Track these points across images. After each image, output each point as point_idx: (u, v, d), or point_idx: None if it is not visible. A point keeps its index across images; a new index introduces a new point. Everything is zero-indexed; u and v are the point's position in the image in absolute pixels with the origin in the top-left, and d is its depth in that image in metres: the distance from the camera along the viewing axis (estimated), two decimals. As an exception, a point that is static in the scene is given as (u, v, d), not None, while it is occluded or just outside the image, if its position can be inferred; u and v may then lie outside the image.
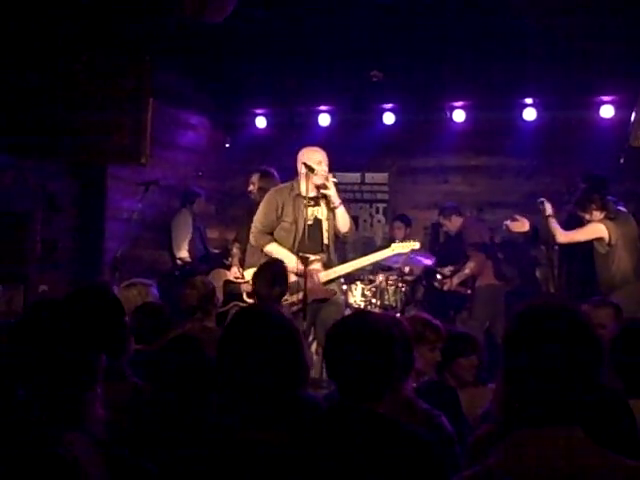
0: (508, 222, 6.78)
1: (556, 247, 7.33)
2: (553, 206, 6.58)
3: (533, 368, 1.91)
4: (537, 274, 8.00)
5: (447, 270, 8.05)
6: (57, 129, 6.85)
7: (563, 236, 6.50)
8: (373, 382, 2.33)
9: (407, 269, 7.84)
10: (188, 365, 2.96)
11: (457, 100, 8.86)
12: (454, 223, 8.18)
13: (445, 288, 7.97)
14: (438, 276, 7.99)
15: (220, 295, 6.70)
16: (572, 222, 6.79)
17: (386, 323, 2.48)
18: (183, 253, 8.12)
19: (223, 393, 2.42)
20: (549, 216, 6.49)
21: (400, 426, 2.33)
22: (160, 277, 7.96)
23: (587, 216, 6.48)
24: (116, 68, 6.97)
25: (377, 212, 9.77)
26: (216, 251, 8.54)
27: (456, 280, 7.92)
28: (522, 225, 6.77)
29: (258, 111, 9.60)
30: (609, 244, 6.36)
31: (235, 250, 7.32)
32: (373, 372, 2.33)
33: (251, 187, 7.50)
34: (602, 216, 6.41)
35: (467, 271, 7.88)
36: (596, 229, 6.40)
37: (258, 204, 6.55)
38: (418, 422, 2.90)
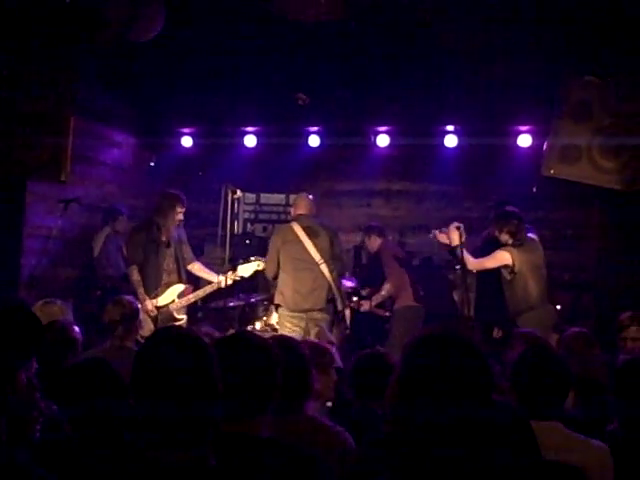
0: (436, 232, 6.83)
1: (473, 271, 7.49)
2: (467, 230, 6.70)
3: (421, 397, 1.98)
4: (454, 297, 8.14)
5: (364, 292, 8.15)
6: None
7: (472, 264, 6.67)
8: (251, 400, 2.39)
9: None
10: (97, 386, 2.94)
11: (381, 125, 9.02)
12: (373, 243, 8.29)
13: (362, 309, 8.06)
14: (355, 298, 8.07)
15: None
16: (486, 248, 6.97)
17: (264, 344, 2.54)
18: (105, 272, 8.03)
19: (134, 413, 2.40)
20: (456, 246, 6.54)
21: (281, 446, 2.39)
22: (80, 296, 7.89)
23: (497, 234, 6.66)
24: (38, 84, 6.89)
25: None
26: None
27: (374, 302, 8.02)
28: (449, 239, 6.80)
29: (184, 130, 9.58)
30: (513, 271, 6.56)
31: (136, 275, 7.02)
32: (249, 390, 2.39)
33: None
34: (510, 242, 6.60)
35: (383, 292, 7.99)
36: (502, 257, 6.60)
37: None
38: (323, 439, 2.97)
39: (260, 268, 7.18)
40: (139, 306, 6.13)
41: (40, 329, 3.30)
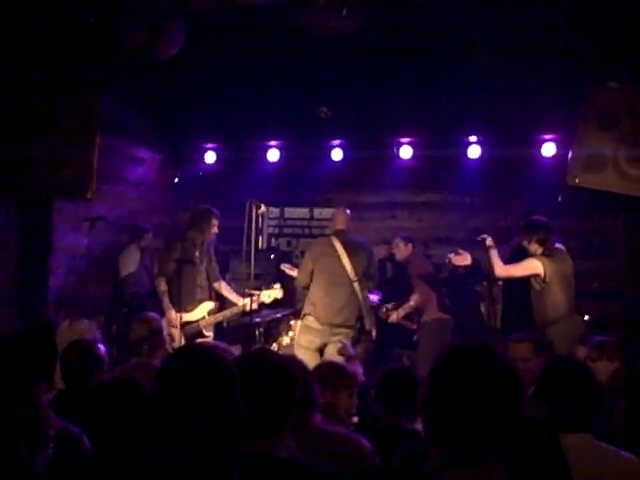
0: (451, 255, 6.87)
1: (499, 282, 7.44)
2: (495, 240, 6.69)
3: (450, 411, 1.96)
4: (482, 309, 8.09)
5: (391, 304, 8.11)
6: (3, 164, 6.81)
7: (501, 270, 6.62)
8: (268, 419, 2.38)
9: None
10: (123, 409, 2.93)
11: (404, 137, 9.00)
12: (403, 251, 8.18)
13: (389, 320, 8.02)
14: (383, 309, 8.03)
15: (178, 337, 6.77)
16: (513, 258, 6.91)
17: (282, 363, 2.53)
18: (131, 289, 8.06)
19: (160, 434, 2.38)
20: (490, 247, 6.59)
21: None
22: (107, 314, 7.93)
23: (526, 244, 6.62)
24: (64, 104, 6.96)
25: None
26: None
27: (401, 312, 7.97)
28: (464, 259, 6.88)
29: (207, 146, 9.62)
30: (544, 281, 6.49)
31: (163, 286, 7.17)
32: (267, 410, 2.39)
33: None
34: (540, 252, 6.54)
35: (412, 303, 7.94)
36: (532, 265, 6.53)
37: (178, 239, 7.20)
38: (333, 447, 2.99)
39: (280, 297, 7.32)
40: (163, 320, 6.28)
41: (54, 351, 3.32)
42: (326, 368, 3.91)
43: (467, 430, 1.95)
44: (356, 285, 7.00)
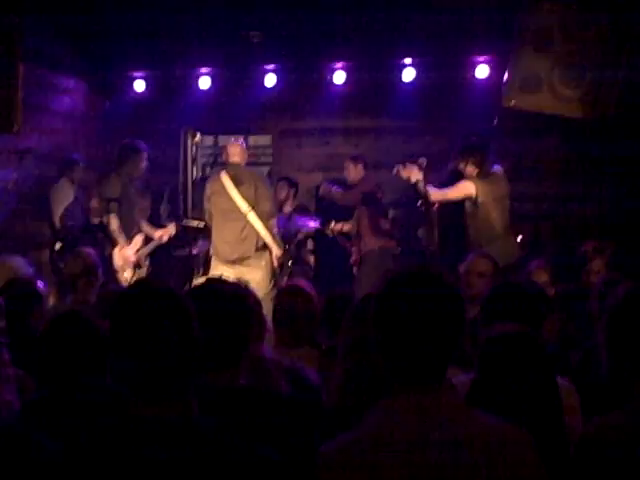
0: (400, 166, 6.81)
1: (435, 207, 7.49)
2: (431, 164, 6.68)
3: (401, 335, 1.98)
4: (419, 233, 8.15)
5: (334, 224, 8.15)
6: None
7: (436, 194, 6.66)
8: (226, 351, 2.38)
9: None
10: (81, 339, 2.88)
11: (337, 61, 8.88)
12: (353, 173, 8.04)
13: (329, 231, 8.09)
14: (328, 230, 8.09)
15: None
16: (450, 182, 6.95)
17: (238, 293, 2.54)
18: (68, 223, 7.91)
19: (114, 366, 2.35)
20: (418, 180, 6.53)
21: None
22: (40, 249, 7.77)
23: (463, 167, 6.66)
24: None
25: (261, 175, 9.74)
26: (97, 221, 8.32)
27: (340, 226, 8.04)
28: (412, 171, 6.79)
29: (136, 74, 9.34)
30: (475, 202, 6.58)
31: (116, 224, 7.26)
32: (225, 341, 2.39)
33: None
34: (475, 173, 6.60)
35: (350, 227, 8.01)
36: (465, 187, 6.60)
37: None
38: (281, 377, 3.00)
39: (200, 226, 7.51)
40: (116, 255, 6.44)
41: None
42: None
43: (415, 353, 1.97)
44: (251, 216, 6.96)
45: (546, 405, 2.48)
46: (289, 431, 2.40)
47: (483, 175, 6.63)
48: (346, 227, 8.10)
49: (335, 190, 8.00)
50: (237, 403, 2.32)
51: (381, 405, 2.01)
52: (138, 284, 2.37)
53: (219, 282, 2.65)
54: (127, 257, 7.20)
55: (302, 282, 4.27)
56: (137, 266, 7.29)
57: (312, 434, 2.45)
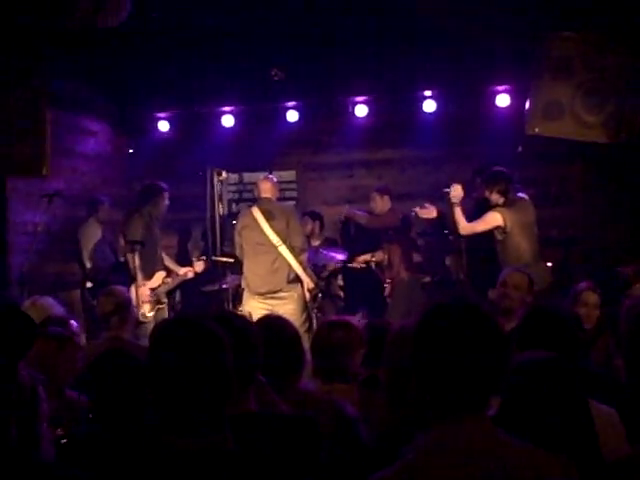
0: (417, 209, 6.89)
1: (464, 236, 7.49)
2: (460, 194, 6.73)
3: (442, 364, 1.98)
4: (447, 262, 8.14)
5: (356, 263, 8.17)
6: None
7: (464, 228, 6.71)
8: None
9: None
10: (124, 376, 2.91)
11: (358, 95, 8.96)
12: (380, 204, 8.14)
13: (353, 265, 8.13)
14: (354, 264, 8.10)
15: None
16: (477, 210, 6.97)
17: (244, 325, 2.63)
18: (97, 263, 7.99)
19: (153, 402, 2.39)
20: (454, 204, 6.65)
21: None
22: (70, 290, 7.85)
23: (488, 195, 6.68)
24: (11, 78, 6.76)
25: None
26: (124, 259, 8.40)
27: (365, 257, 8.08)
28: (430, 212, 6.94)
29: (160, 115, 9.47)
30: (504, 231, 6.58)
31: (137, 261, 7.30)
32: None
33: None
34: (501, 202, 6.61)
35: (376, 258, 8.02)
36: (493, 218, 6.62)
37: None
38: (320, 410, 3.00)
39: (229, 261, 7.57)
40: (133, 292, 6.48)
41: (33, 326, 3.27)
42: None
43: (457, 385, 1.97)
44: (282, 249, 7.02)
45: (577, 433, 2.46)
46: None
47: (509, 203, 6.64)
48: (374, 257, 8.10)
49: (360, 213, 8.07)
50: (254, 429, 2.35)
51: (423, 438, 2.01)
52: (177, 319, 2.41)
53: (228, 314, 2.72)
54: (143, 294, 7.23)
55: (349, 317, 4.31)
56: (158, 302, 7.34)
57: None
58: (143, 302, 7.12)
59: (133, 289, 7.13)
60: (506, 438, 1.99)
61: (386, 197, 8.12)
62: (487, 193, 6.69)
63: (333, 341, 3.64)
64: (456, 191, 6.67)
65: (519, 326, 3.39)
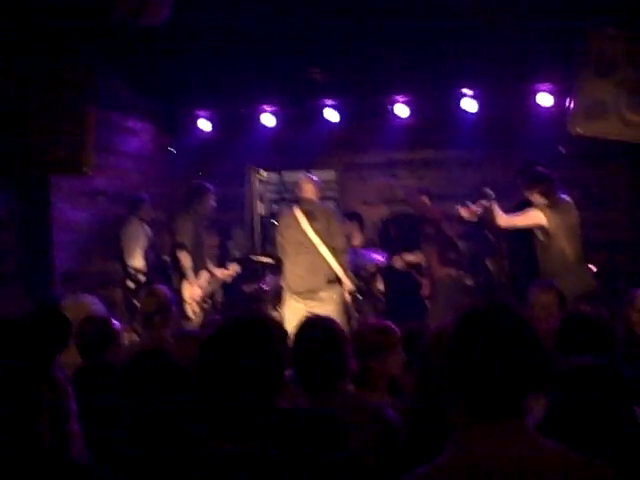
0: (460, 208, 6.83)
1: (506, 238, 7.43)
2: (497, 194, 6.68)
3: (479, 368, 1.96)
4: (488, 265, 8.06)
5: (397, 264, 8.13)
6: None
7: (503, 220, 6.62)
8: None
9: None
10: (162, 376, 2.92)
11: (399, 94, 8.92)
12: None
13: (396, 265, 8.08)
14: (394, 262, 8.06)
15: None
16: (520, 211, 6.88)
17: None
18: (136, 262, 8.05)
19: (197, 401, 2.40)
20: (493, 200, 6.58)
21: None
22: (113, 288, 7.93)
23: (530, 196, 6.59)
24: (55, 77, 6.85)
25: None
26: (167, 258, 8.48)
27: (406, 258, 8.04)
28: (473, 212, 6.87)
29: (201, 113, 9.53)
30: (547, 233, 6.47)
31: (188, 261, 7.57)
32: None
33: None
34: (543, 203, 6.51)
35: (416, 258, 7.99)
36: (535, 216, 6.52)
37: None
38: (364, 415, 3.00)
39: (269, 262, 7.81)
40: (186, 290, 6.65)
41: (67, 326, 3.32)
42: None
43: (493, 388, 1.96)
44: (323, 249, 7.04)
45: (623, 440, 2.42)
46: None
47: (552, 204, 6.53)
48: (413, 258, 8.07)
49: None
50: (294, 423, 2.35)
51: (457, 438, 2.00)
52: (227, 318, 2.42)
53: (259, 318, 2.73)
54: (195, 293, 7.48)
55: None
56: (203, 301, 7.56)
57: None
58: (193, 300, 7.37)
59: (186, 287, 7.32)
60: (545, 443, 1.97)
61: (424, 197, 8.08)
62: (528, 194, 6.61)
63: (368, 344, 3.62)
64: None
65: (557, 331, 3.35)
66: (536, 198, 6.58)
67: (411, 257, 8.11)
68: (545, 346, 2.51)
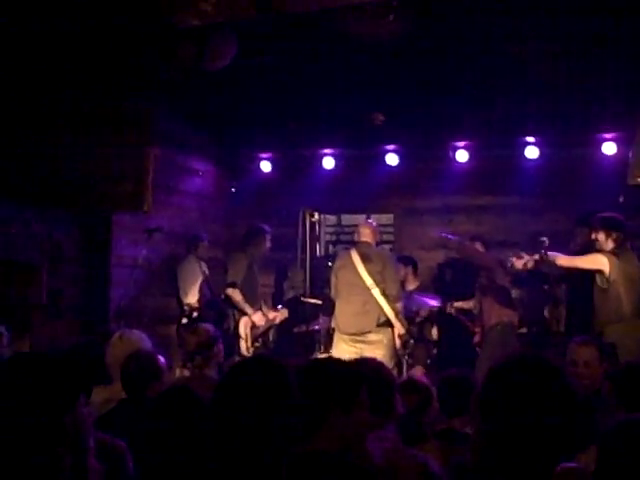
0: (513, 259, 6.76)
1: (562, 286, 7.28)
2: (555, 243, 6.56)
3: (498, 419, 1.91)
4: (545, 313, 7.91)
5: (450, 309, 8.04)
6: (61, 179, 6.92)
7: (564, 260, 6.47)
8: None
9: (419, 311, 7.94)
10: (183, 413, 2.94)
11: (459, 140, 8.91)
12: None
13: (447, 311, 8.01)
14: (448, 308, 8.01)
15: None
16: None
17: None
18: (191, 299, 8.14)
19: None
20: (547, 248, 6.46)
21: None
22: (168, 323, 8.05)
23: (602, 239, 6.41)
24: (118, 118, 7.04)
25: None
26: (222, 296, 8.56)
27: (457, 305, 7.97)
28: (526, 262, 6.76)
29: (262, 155, 9.67)
30: (608, 279, 6.31)
31: (239, 296, 7.85)
32: None
33: None
34: (610, 248, 6.34)
35: (469, 306, 7.90)
36: (597, 259, 6.35)
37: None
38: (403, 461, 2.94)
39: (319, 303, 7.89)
40: (244, 322, 7.61)
41: (98, 364, 3.36)
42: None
43: (516, 439, 1.90)
44: (375, 292, 7.05)
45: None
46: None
47: (619, 252, 6.36)
48: (466, 305, 7.98)
49: (454, 239, 7.99)
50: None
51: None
52: (248, 360, 2.45)
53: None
54: (256, 322, 7.83)
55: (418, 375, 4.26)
56: (256, 340, 7.76)
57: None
58: (248, 336, 7.72)
59: (244, 320, 7.71)
60: None
61: (478, 244, 7.99)
62: (599, 236, 6.39)
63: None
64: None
65: (611, 386, 3.26)
66: (606, 242, 6.40)
67: (461, 304, 8.02)
68: (586, 402, 2.42)
